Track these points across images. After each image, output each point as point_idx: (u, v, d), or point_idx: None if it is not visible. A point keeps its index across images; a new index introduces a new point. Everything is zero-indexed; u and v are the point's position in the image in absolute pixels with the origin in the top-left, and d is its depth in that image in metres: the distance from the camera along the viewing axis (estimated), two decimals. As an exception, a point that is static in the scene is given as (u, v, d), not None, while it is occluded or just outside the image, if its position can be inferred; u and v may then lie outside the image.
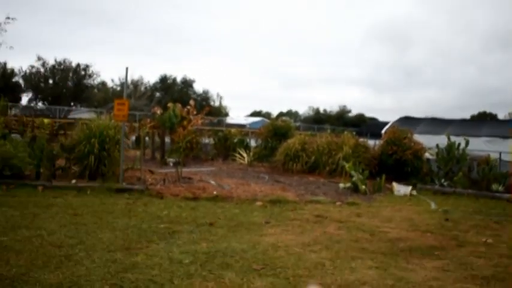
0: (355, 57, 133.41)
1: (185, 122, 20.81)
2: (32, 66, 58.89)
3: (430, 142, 18.98)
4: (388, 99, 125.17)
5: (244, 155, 21.13)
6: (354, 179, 14.13)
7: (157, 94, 66.36)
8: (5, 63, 53.57)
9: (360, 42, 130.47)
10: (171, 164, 18.08)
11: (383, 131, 23.90)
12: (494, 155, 17.40)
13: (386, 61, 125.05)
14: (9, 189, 10.85)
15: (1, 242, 6.42)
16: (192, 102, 22.50)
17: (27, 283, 4.88)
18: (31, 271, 5.25)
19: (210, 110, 28.53)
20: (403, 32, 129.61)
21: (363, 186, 13.82)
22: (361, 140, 19.10)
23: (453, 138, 17.12)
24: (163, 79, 70.44)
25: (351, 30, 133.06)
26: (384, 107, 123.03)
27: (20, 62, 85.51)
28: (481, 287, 5.68)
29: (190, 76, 73.03)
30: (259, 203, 10.94)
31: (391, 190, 14.43)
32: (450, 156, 16.58)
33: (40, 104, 58.13)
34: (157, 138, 21.67)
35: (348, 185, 14.21)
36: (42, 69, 59.38)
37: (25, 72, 59.02)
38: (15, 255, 5.81)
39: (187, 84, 71.67)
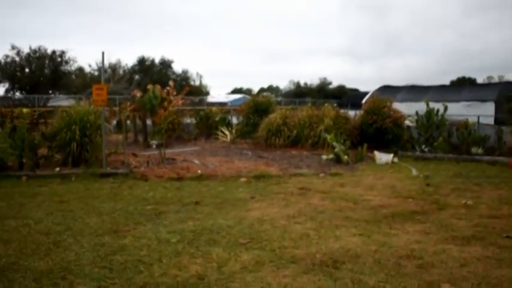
0: (334, 27, 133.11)
1: (166, 103, 20.76)
2: (7, 56, 57.90)
3: (410, 109, 19.20)
4: (369, 68, 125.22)
5: (227, 132, 21.18)
6: (336, 150, 14.29)
7: (136, 76, 65.78)
8: (-22, 55, 52.63)
9: (339, 12, 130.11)
10: (154, 146, 18.09)
11: (363, 101, 24.06)
12: (473, 119, 17.66)
13: (365, 30, 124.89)
14: (-8, 181, 10.85)
15: (-11, 233, 6.47)
16: (171, 82, 22.39)
17: (18, 271, 4.95)
18: (21, 259, 5.32)
19: (190, 90, 28.46)
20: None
21: (345, 157, 13.99)
22: (341, 111, 19.24)
23: (432, 104, 17.32)
24: (142, 61, 69.75)
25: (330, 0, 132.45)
26: (365, 77, 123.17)
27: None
28: (462, 246, 5.87)
29: (168, 57, 72.45)
30: (243, 179, 11.05)
31: (373, 159, 14.63)
32: (430, 122, 16.80)
33: (18, 94, 57.39)
34: (138, 121, 21.62)
35: (331, 156, 14.38)
36: (17, 58, 58.45)
37: (0, 63, 58.15)
38: (4, 245, 5.87)
39: (166, 65, 71.07)
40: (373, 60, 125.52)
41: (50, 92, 58.24)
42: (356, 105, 28.47)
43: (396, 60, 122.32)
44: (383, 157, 14.48)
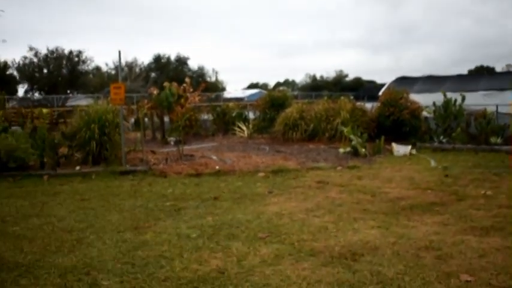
0: (349, 19, 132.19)
1: (182, 100, 20.85)
2: (25, 57, 58.73)
3: (427, 100, 19.04)
4: (385, 59, 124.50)
5: (244, 128, 21.26)
6: (353, 143, 14.28)
7: (153, 74, 66.24)
8: (-3, 56, 53.34)
9: (353, 3, 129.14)
10: (172, 143, 18.23)
11: (380, 93, 23.94)
12: (491, 108, 17.49)
13: (380, 20, 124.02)
14: (15, 180, 11.04)
15: (14, 231, 6.62)
16: (187, 79, 22.49)
17: (43, 268, 5.08)
18: (45, 256, 5.45)
19: (207, 86, 28.53)
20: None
21: (363, 149, 13.98)
22: (358, 103, 19.20)
23: (450, 95, 17.20)
24: (158, 59, 70.14)
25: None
26: (381, 68, 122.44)
27: (13, 54, 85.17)
28: (480, 237, 5.86)
29: (184, 54, 72.62)
30: (261, 174, 11.11)
31: (391, 151, 14.58)
32: (447, 113, 16.69)
33: (37, 95, 58.08)
34: (156, 119, 21.79)
35: (348, 149, 14.37)
36: (35, 59, 59.22)
37: (18, 64, 58.90)
38: (29, 243, 6.01)
39: (181, 62, 71.39)
40: (389, 50, 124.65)
41: (68, 91, 58.87)
42: (373, 98, 28.33)
43: (413, 50, 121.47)
44: (401, 149, 14.43)
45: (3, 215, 7.71)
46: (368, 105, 19.50)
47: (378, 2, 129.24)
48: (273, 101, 21.81)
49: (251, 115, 24.53)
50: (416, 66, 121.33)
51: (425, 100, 19.44)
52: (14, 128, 16.81)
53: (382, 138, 15.00)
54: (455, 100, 16.71)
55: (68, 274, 4.89)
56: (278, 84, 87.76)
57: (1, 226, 6.99)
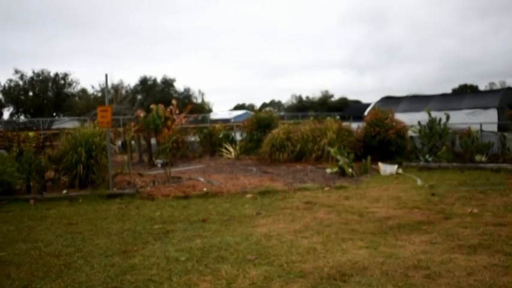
0: (334, 40, 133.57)
1: (169, 122, 20.89)
2: (10, 80, 58.54)
3: (413, 120, 19.28)
4: (370, 79, 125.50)
5: (231, 149, 21.29)
6: (340, 163, 14.36)
7: (139, 96, 66.17)
8: (-18, 80, 53.15)
9: (338, 24, 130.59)
10: (159, 165, 18.20)
11: (365, 113, 24.16)
12: (475, 127, 17.73)
13: (365, 41, 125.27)
14: (1, 205, 10.93)
15: (0, 257, 6.55)
16: (174, 101, 22.56)
17: (31, 294, 5.03)
18: (33, 282, 5.40)
19: (193, 108, 28.60)
20: (379, 9, 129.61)
21: (350, 170, 14.06)
22: (344, 124, 19.35)
23: (435, 114, 17.43)
24: (144, 81, 70.24)
25: (328, 12, 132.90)
26: (367, 88, 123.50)
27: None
28: (468, 255, 5.91)
29: (170, 76, 73.01)
30: (249, 196, 11.13)
31: (378, 170, 14.69)
32: (432, 132, 16.89)
33: (22, 117, 57.78)
34: (143, 141, 21.76)
35: (335, 169, 14.45)
36: (21, 82, 59.04)
37: (4, 87, 58.65)
38: (16, 269, 5.94)
39: (168, 84, 71.54)
40: (375, 71, 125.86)
41: (54, 114, 58.61)
42: (358, 117, 28.60)
43: (398, 70, 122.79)
44: (387, 168, 14.54)
45: (-11, 240, 7.63)
46: (354, 125, 19.66)
47: (362, 22, 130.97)
48: (260, 122, 21.91)
49: (238, 136, 24.60)
50: (401, 85, 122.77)
51: (411, 119, 19.70)
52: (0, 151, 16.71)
53: (369, 158, 15.11)
54: (440, 119, 16.91)
55: (56, 300, 4.85)
56: (264, 105, 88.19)
57: (-13, 252, 6.91)
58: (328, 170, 14.65)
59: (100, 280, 5.39)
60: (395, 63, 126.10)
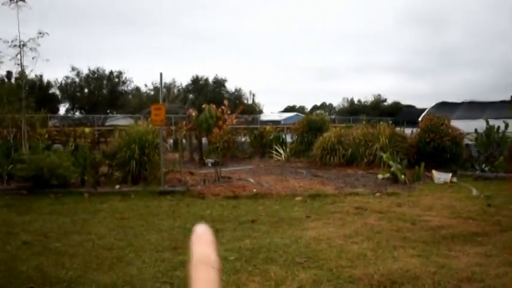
0: (389, 42, 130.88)
1: (220, 122, 21.06)
2: (67, 77, 60.40)
3: (469, 127, 18.74)
4: (425, 84, 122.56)
5: (281, 151, 21.27)
6: (392, 169, 14.11)
7: (191, 96, 67.05)
8: (41, 76, 54.96)
9: (393, 27, 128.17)
10: (210, 165, 18.36)
11: (420, 119, 23.68)
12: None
13: (421, 44, 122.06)
14: (57, 197, 11.26)
15: (56, 248, 6.75)
16: (226, 102, 22.74)
17: (84, 284, 5.16)
18: (86, 273, 5.54)
19: (244, 109, 28.75)
20: (437, 12, 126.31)
21: (402, 176, 13.79)
22: (397, 129, 19.02)
23: (493, 122, 16.90)
24: (196, 80, 71.02)
25: (383, 14, 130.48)
26: (421, 92, 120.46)
27: (55, 74, 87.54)
28: (525, 270, 5.70)
29: (222, 75, 73.32)
30: (299, 198, 11.08)
31: (431, 178, 14.35)
32: (490, 140, 16.38)
33: (77, 114, 59.51)
34: (194, 140, 22.01)
35: (387, 175, 14.21)
36: (77, 79, 60.84)
37: (61, 83, 60.58)
38: (70, 259, 6.11)
39: (219, 83, 72.08)
40: (430, 75, 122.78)
41: (108, 111, 60.00)
42: (412, 123, 28.05)
43: (453, 75, 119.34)
44: (441, 176, 14.19)
45: (46, 231, 7.87)
46: (407, 131, 19.30)
47: (418, 24, 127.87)
48: (311, 124, 21.77)
49: (288, 138, 24.53)
50: (456, 91, 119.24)
51: (467, 127, 19.14)
52: (56, 146, 17.26)
53: (422, 164, 14.77)
54: (498, 127, 16.39)
55: (108, 292, 4.95)
56: (315, 108, 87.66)
57: (44, 242, 7.13)
58: (380, 176, 14.43)
59: (150, 274, 5.48)
60: (451, 68, 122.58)
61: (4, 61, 15.91)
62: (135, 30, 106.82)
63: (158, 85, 12.97)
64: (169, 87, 62.45)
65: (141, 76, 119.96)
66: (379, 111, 73.59)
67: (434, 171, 14.57)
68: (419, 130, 18.16)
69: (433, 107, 34.74)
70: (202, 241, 0.59)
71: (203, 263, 0.55)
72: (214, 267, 0.56)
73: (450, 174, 14.34)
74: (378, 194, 11.72)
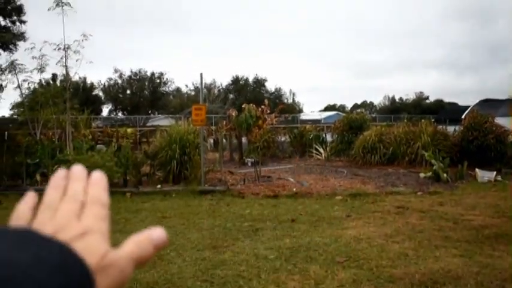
0: (432, 38, 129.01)
1: (260, 122, 21.12)
2: (110, 79, 61.77)
3: (514, 124, 18.28)
4: (470, 80, 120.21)
5: (321, 150, 21.19)
6: (434, 167, 13.89)
7: (231, 96, 67.42)
8: (85, 78, 56.26)
9: (438, 22, 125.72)
10: (249, 164, 18.43)
11: (463, 117, 23.21)
12: None
13: (466, 40, 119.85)
14: (100, 196, 11.49)
15: (99, 246, 6.90)
16: (266, 101, 22.79)
17: (127, 283, 5.26)
18: (128, 272, 5.65)
19: (284, 108, 28.74)
20: (483, 5, 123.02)
21: (444, 175, 13.55)
22: (439, 127, 18.70)
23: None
24: (236, 80, 71.41)
25: (427, 9, 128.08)
26: (464, 89, 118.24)
27: (99, 76, 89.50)
28: None
29: (261, 75, 73.61)
30: (339, 197, 11.02)
31: (474, 177, 14.06)
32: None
33: (120, 114, 60.66)
34: (234, 140, 22.14)
35: (429, 174, 13.99)
36: (119, 81, 62.08)
37: (104, 85, 61.94)
38: (113, 258, 6.24)
39: (259, 83, 72.27)
40: (475, 71, 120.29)
41: (149, 112, 60.92)
42: (455, 120, 27.49)
43: (501, 70, 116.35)
44: (485, 175, 13.88)
45: (90, 230, 8.05)
46: (450, 129, 18.95)
47: (464, 19, 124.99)
48: (351, 123, 21.60)
49: (328, 137, 24.41)
50: (502, 87, 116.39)
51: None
52: (99, 146, 17.64)
53: (465, 163, 14.47)
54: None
55: (150, 289, 5.05)
56: (355, 106, 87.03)
57: (88, 240, 7.30)
58: (422, 175, 14.22)
59: (191, 273, 5.56)
60: (498, 63, 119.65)
61: (50, 64, 16.35)
62: (176, 31, 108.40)
63: (199, 85, 13.06)
64: (209, 88, 62.98)
65: (182, 77, 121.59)
66: (421, 109, 72.47)
67: (477, 170, 14.27)
68: (462, 128, 17.81)
69: (477, 104, 33.97)
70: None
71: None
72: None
73: (494, 173, 14.01)
74: (419, 193, 11.56)
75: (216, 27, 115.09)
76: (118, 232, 7.79)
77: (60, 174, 0.58)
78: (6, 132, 19.14)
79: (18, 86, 16.94)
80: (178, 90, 69.07)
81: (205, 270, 5.65)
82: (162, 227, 0.53)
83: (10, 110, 32.40)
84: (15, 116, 27.61)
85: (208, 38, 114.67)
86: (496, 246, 6.68)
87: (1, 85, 22.60)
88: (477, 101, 36.09)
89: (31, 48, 16.09)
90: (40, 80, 18.30)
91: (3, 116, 36.74)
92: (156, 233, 0.55)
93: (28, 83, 17.05)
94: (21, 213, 0.53)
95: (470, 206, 9.86)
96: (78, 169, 0.58)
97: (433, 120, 23.65)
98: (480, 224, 8.13)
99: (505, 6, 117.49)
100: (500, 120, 18.46)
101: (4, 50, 23.10)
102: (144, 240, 0.54)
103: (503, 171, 14.82)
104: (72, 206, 0.53)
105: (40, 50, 16.02)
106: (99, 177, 0.59)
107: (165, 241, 0.55)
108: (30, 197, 0.56)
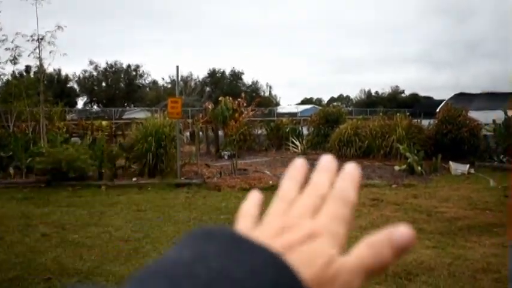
0: (408, 34, 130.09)
1: (237, 115, 21.07)
2: (85, 71, 61.00)
3: (487, 118, 18.54)
4: (445, 76, 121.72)
5: (297, 143, 21.25)
6: (409, 160, 14.04)
7: (207, 89, 67.22)
8: (59, 70, 55.52)
9: (415, 17, 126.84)
10: (226, 157, 18.41)
11: (437, 110, 23.47)
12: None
13: (442, 35, 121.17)
14: (75, 190, 11.40)
15: (73, 239, 6.85)
16: (242, 94, 22.75)
17: (101, 275, 5.23)
18: (103, 264, 5.62)
19: (260, 101, 28.74)
20: (459, 2, 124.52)
21: (419, 168, 13.72)
22: (414, 120, 18.90)
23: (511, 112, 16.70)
24: (212, 73, 71.20)
25: (404, 4, 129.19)
26: (440, 84, 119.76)
27: (73, 68, 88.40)
28: (543, 261, 5.65)
29: (238, 68, 73.49)
30: (314, 190, 11.04)
31: (448, 170, 14.26)
32: (509, 131, 16.20)
33: (95, 107, 60.03)
34: (210, 133, 22.08)
35: (404, 167, 14.14)
36: (94, 73, 61.37)
37: (79, 77, 61.20)
38: (87, 251, 6.20)
39: (236, 76, 72.19)
40: (449, 66, 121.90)
41: (125, 104, 60.41)
42: (430, 114, 27.76)
43: (476, 67, 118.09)
44: (459, 168, 14.09)
45: (64, 223, 7.98)
46: (425, 122, 19.17)
47: (440, 15, 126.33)
48: (327, 116, 21.70)
49: (305, 131, 24.48)
50: (478, 83, 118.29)
51: (485, 117, 18.93)
52: (73, 139, 17.44)
53: (439, 156, 14.66)
54: (517, 118, 16.21)
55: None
56: (332, 100, 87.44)
57: (62, 234, 7.24)
58: (397, 168, 14.37)
59: (167, 266, 5.53)
60: (474, 59, 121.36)
61: (23, 55, 16.11)
62: (152, 23, 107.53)
63: (175, 78, 12.96)
64: (186, 81, 62.67)
65: (158, 70, 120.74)
66: (396, 103, 73.06)
67: (451, 163, 14.47)
68: (436, 121, 18.03)
69: (451, 98, 34.33)
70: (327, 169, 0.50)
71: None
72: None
73: (468, 166, 14.23)
74: (394, 186, 11.68)
75: (193, 20, 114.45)
76: (93, 225, 7.75)
77: (298, 163, 0.52)
78: (-22, 125, 18.82)
79: (-10, 78, 16.65)
80: (154, 83, 68.65)
81: (181, 263, 5.62)
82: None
83: (-18, 102, 31.87)
84: (-13, 108, 27.18)
85: (185, 30, 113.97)
86: (468, 237, 6.79)
87: (-27, 76, 22.24)
88: (452, 95, 36.51)
89: (3, 40, 15.84)
90: (13, 71, 18.02)
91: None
92: (399, 232, 0.42)
93: (0, 75, 16.77)
94: (246, 211, 0.49)
95: (444, 198, 10.00)
96: (327, 158, 0.51)
97: (408, 113, 23.87)
98: (453, 216, 8.25)
99: (481, 3, 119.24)
100: (474, 114, 18.72)
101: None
102: (382, 241, 0.42)
103: (477, 164, 15.05)
104: (310, 200, 0.46)
105: (13, 42, 15.78)
106: (352, 170, 0.49)
107: (410, 241, 0.42)
108: (255, 194, 0.51)
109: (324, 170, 0.49)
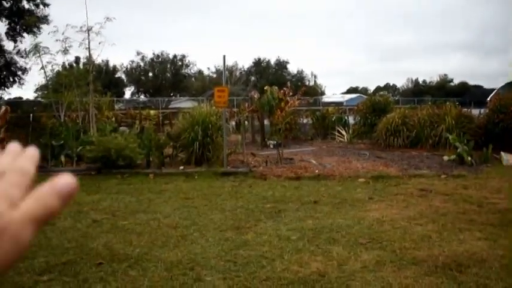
0: (457, 21, 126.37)
1: (283, 104, 21.02)
2: (132, 61, 62.10)
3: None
4: (496, 63, 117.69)
5: (343, 132, 21.09)
6: (458, 150, 13.72)
7: (253, 78, 67.30)
8: (107, 61, 56.61)
9: (464, 3, 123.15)
10: (271, 146, 18.44)
11: (488, 99, 22.85)
12: None
13: (492, 22, 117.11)
14: (123, 177, 11.64)
15: (123, 226, 7.00)
16: (288, 83, 22.68)
17: (150, 261, 5.34)
18: (152, 250, 5.72)
19: (306, 90, 28.58)
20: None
21: (469, 158, 13.39)
22: (464, 110, 18.45)
23: None
24: (257, 62, 71.24)
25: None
26: (490, 72, 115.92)
27: (121, 59, 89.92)
28: None
29: (283, 57, 73.18)
30: (361, 180, 10.97)
31: (499, 160, 13.87)
32: None
33: (142, 97, 61.03)
34: (256, 122, 22.13)
35: (453, 157, 13.83)
36: (142, 63, 62.35)
37: (126, 68, 62.31)
38: (137, 237, 6.33)
39: (281, 65, 72.04)
40: (501, 53, 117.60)
41: (171, 94, 61.16)
42: (480, 103, 27.10)
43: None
44: (510, 158, 13.68)
45: (114, 209, 8.17)
46: (475, 112, 18.68)
47: (490, 1, 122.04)
48: (374, 106, 21.44)
49: (351, 120, 24.26)
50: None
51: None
52: (122, 128, 17.80)
53: (490, 146, 14.26)
54: None
55: (173, 268, 5.11)
56: (378, 89, 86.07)
57: (112, 220, 7.42)
58: (446, 158, 14.07)
59: (214, 253, 5.60)
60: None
61: (73, 46, 16.49)
62: (199, 14, 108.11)
63: (221, 68, 13.04)
64: (231, 70, 62.86)
65: (204, 59, 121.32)
66: (445, 91, 71.44)
67: (502, 153, 14.07)
68: (487, 111, 17.55)
69: (502, 87, 33.40)
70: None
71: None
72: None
73: (520, 156, 13.81)
74: (443, 176, 11.44)
75: (239, 10, 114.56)
76: (142, 212, 7.90)
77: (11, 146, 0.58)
78: (31, 115, 19.43)
79: (43, 68, 17.12)
80: (200, 72, 69.22)
81: (228, 251, 5.68)
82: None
83: (34, 92, 32.88)
84: (39, 99, 28.01)
85: (230, 21, 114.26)
86: (521, 229, 6.61)
87: (26, 68, 22.94)
88: (502, 83, 35.48)
89: (54, 32, 16.25)
90: (64, 62, 18.49)
91: (28, 99, 37.27)
92: (62, 181, 0.50)
93: (52, 66, 17.23)
94: None
95: (495, 189, 9.74)
96: (13, 144, 0.58)
97: (457, 103, 23.33)
98: (505, 207, 8.03)
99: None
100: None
101: (28, 33, 23.35)
102: (47, 192, 0.49)
103: (529, 154, 14.58)
104: None
105: (63, 34, 16.16)
106: (31, 151, 0.57)
107: (73, 188, 0.50)
108: None
109: (8, 152, 0.56)
